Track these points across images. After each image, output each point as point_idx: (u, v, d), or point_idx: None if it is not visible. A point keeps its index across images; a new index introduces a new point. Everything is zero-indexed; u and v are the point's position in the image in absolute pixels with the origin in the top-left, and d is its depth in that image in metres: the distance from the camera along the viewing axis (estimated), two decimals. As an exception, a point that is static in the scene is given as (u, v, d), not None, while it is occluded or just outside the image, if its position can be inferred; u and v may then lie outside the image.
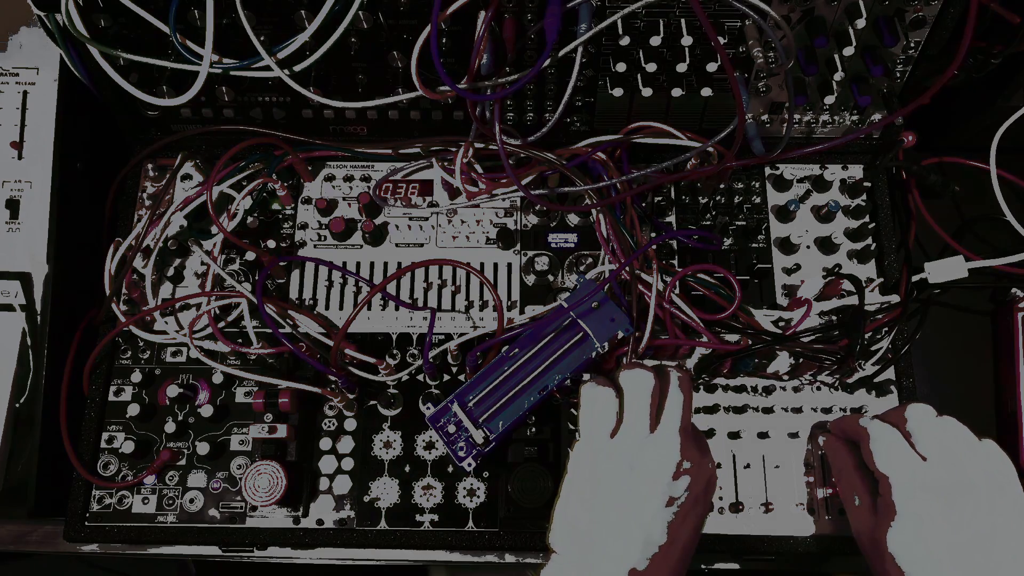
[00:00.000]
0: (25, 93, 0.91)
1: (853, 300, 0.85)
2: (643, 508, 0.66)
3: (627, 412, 0.70)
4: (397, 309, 0.92)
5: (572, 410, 0.86)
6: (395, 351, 0.90)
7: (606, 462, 0.69)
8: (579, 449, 0.71)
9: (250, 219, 0.94)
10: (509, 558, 0.87)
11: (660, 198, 0.94)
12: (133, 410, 0.86)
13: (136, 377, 0.89)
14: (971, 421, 0.71)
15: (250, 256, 0.93)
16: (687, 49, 0.83)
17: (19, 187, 0.90)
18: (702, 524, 0.70)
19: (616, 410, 0.71)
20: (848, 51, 0.82)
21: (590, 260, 0.93)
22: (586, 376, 0.76)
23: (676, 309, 0.84)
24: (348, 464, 0.86)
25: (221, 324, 0.89)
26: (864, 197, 0.95)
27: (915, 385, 0.88)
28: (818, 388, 0.88)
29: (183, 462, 0.86)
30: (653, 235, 0.92)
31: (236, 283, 0.89)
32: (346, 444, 0.87)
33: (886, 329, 0.86)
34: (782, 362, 0.85)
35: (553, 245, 0.94)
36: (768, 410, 0.87)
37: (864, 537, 0.73)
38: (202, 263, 0.93)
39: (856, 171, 0.97)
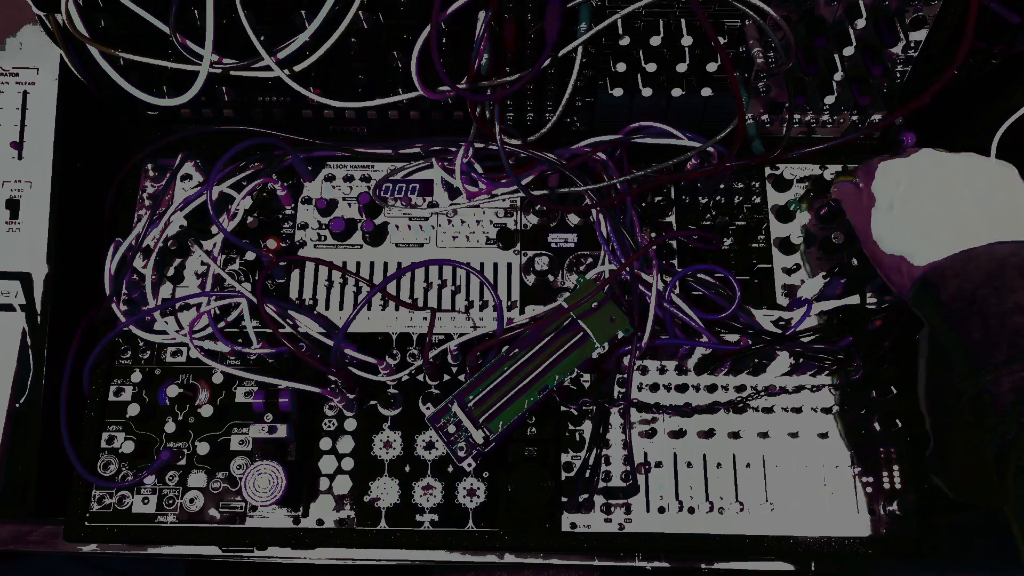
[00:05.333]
0: (25, 93, 0.91)
1: (853, 300, 0.85)
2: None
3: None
4: (397, 309, 0.92)
5: (573, 411, 0.87)
6: (395, 351, 0.90)
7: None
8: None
9: (250, 219, 0.94)
10: (509, 558, 0.87)
11: (660, 198, 0.94)
12: (133, 410, 0.86)
13: (136, 377, 0.89)
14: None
15: (250, 256, 0.93)
16: (687, 49, 0.83)
17: (19, 187, 0.90)
18: None
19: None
20: (848, 51, 0.82)
21: (590, 260, 0.93)
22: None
23: (676, 309, 0.84)
24: (348, 464, 0.86)
25: (221, 324, 0.89)
26: (864, 197, 0.95)
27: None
28: (818, 388, 0.88)
29: (183, 462, 0.86)
30: (653, 235, 0.92)
31: (236, 283, 0.89)
32: (346, 444, 0.87)
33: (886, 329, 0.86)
34: (782, 362, 0.85)
35: (553, 245, 0.94)
36: (768, 410, 0.87)
37: (866, 245, 0.78)
38: (202, 263, 0.93)
39: (856, 171, 0.97)
